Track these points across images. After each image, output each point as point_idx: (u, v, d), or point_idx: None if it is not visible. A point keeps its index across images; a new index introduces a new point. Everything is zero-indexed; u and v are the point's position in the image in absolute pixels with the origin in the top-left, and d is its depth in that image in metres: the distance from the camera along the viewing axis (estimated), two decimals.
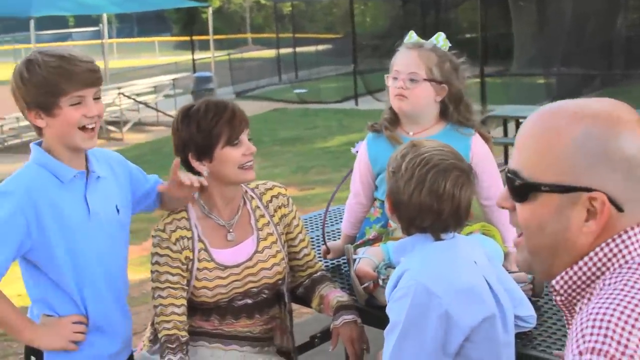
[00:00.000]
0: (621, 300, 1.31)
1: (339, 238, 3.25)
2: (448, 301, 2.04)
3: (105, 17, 17.58)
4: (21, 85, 2.42)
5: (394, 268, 2.63)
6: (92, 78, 2.45)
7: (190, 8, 24.05)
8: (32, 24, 14.82)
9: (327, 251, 3.11)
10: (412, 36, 2.94)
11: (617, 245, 1.39)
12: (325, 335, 3.63)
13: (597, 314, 1.30)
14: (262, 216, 2.72)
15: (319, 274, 2.84)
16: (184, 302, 2.60)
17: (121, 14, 23.97)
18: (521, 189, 1.43)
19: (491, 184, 2.83)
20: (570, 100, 1.45)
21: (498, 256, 2.61)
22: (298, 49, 23.72)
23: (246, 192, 2.74)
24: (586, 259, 1.40)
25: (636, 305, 1.30)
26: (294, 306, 2.91)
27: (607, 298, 1.33)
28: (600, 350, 1.25)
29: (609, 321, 1.27)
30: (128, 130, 15.14)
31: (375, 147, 2.95)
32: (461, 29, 24.25)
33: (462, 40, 24.40)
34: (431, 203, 2.13)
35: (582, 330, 1.30)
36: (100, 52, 17.97)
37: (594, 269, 1.40)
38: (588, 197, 1.37)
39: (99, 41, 18.17)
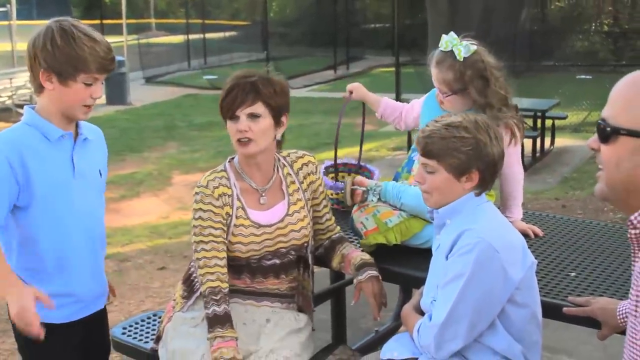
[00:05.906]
0: None
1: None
2: (504, 257, 2.32)
3: None
4: (49, 48, 2.51)
5: (384, 202, 3.04)
6: (111, 67, 2.61)
7: None
8: None
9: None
10: (440, 44, 3.11)
11: None
12: (322, 297, 3.88)
13: None
14: (293, 182, 2.90)
15: (337, 235, 3.05)
16: (225, 255, 2.74)
17: None
18: (606, 133, 1.69)
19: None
20: None
21: None
22: (207, 35, 23.56)
23: (279, 159, 2.91)
24: None
25: None
26: None
27: None
28: None
29: None
30: None
31: (429, 104, 3.32)
32: (371, 19, 24.60)
33: (373, 30, 24.84)
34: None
35: None
36: (6, 34, 17.45)
37: None
38: None
39: (5, 22, 17.57)
